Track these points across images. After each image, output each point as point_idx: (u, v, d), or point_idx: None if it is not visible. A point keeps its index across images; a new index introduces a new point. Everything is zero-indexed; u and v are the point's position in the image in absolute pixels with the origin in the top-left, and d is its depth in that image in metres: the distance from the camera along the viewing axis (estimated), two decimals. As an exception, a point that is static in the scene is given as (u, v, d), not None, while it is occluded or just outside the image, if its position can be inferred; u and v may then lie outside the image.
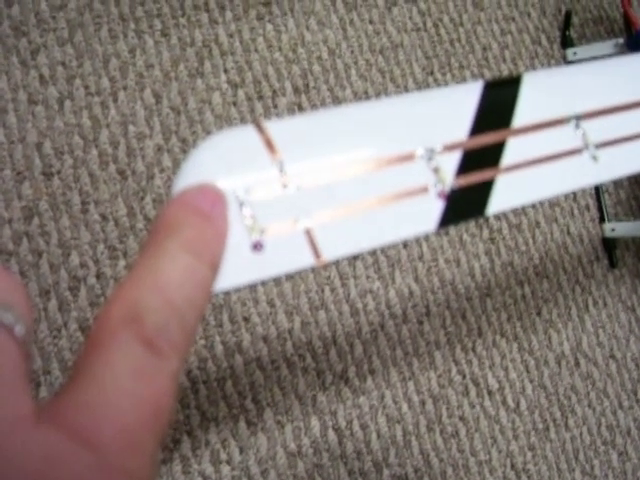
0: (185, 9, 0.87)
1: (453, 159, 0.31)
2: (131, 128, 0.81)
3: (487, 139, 0.32)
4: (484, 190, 0.31)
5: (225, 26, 0.88)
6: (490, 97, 0.33)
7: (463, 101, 0.33)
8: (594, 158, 0.35)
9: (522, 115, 0.34)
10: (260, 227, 0.26)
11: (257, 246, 0.26)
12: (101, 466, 0.19)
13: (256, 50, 0.89)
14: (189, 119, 0.84)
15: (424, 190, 0.30)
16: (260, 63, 0.89)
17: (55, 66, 0.80)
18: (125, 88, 0.82)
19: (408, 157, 0.30)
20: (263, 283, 0.80)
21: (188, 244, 0.24)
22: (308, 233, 0.27)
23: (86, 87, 0.81)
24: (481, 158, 0.32)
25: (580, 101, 0.36)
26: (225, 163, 0.27)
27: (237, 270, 0.26)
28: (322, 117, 0.30)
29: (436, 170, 0.30)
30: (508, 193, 0.32)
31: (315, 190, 0.28)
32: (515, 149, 0.33)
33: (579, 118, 0.35)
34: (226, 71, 0.87)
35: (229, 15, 0.89)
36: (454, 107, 0.33)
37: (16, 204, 0.75)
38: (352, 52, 0.94)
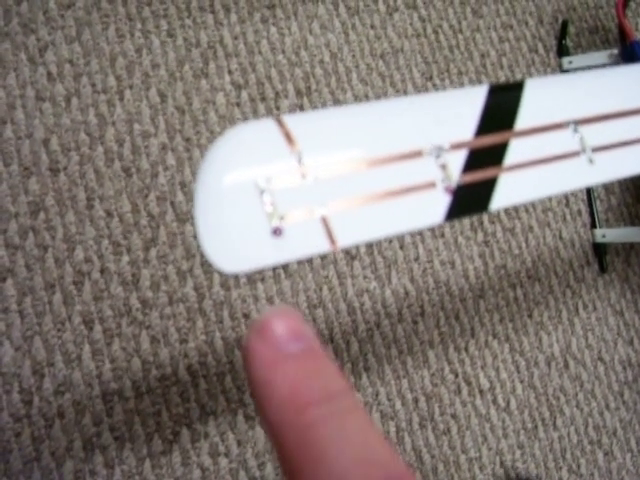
0: (191, 10, 0.88)
1: (459, 157, 0.33)
2: (136, 126, 0.83)
3: (491, 139, 0.34)
4: (488, 187, 0.33)
5: (230, 28, 0.90)
6: (494, 100, 0.35)
7: (469, 103, 0.35)
8: (590, 161, 0.37)
9: (524, 118, 0.36)
10: (280, 214, 0.28)
11: (277, 231, 0.28)
12: None
13: (260, 52, 0.91)
14: (193, 119, 0.85)
15: (432, 185, 0.32)
16: (263, 65, 0.90)
17: (63, 64, 0.81)
18: (131, 87, 0.84)
19: (417, 154, 0.32)
20: (263, 279, 0.82)
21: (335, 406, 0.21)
22: (324, 221, 0.28)
23: (93, 85, 0.82)
24: (486, 157, 0.33)
25: (579, 107, 0.38)
26: (247, 153, 0.28)
27: (258, 254, 0.27)
28: (338, 113, 0.32)
29: (443, 167, 0.32)
30: (510, 190, 0.34)
31: (331, 181, 0.29)
32: (517, 150, 0.35)
33: (577, 123, 0.37)
34: (230, 72, 0.88)
35: (234, 17, 0.90)
36: (461, 109, 0.34)
37: (23, 199, 0.76)
38: (353, 56, 0.96)
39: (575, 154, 0.36)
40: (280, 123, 0.29)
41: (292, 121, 0.30)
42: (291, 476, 0.20)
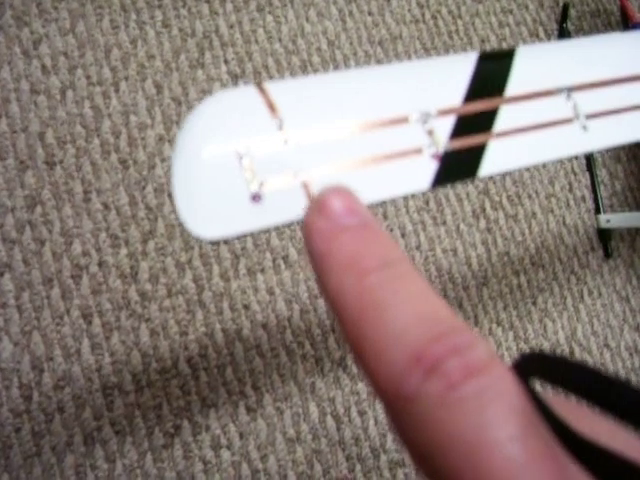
0: (186, 0, 0.88)
1: (447, 123, 0.32)
2: (133, 118, 0.82)
3: (481, 106, 0.33)
4: (477, 153, 0.32)
5: (226, 17, 0.89)
6: (484, 67, 0.34)
7: (458, 70, 0.34)
8: (584, 128, 0.36)
9: (515, 85, 0.35)
10: (259, 180, 0.27)
11: (256, 197, 0.27)
12: None
13: (256, 41, 0.90)
14: (190, 109, 0.85)
15: (418, 151, 0.31)
16: (260, 54, 0.90)
17: (57, 56, 0.81)
18: (127, 78, 0.83)
19: (403, 119, 0.31)
20: (263, 270, 0.81)
21: (378, 268, 0.22)
22: (305, 187, 0.28)
23: (88, 77, 0.82)
24: (474, 123, 0.33)
25: (572, 74, 0.37)
26: (227, 119, 0.28)
27: (237, 220, 0.27)
28: (322, 79, 0.31)
29: (430, 133, 0.31)
30: (500, 157, 0.33)
31: (313, 147, 0.28)
32: (507, 116, 0.34)
33: (570, 90, 0.36)
34: (226, 62, 0.88)
35: (229, 6, 0.90)
36: (449, 75, 0.34)
37: (19, 193, 0.76)
38: (351, 43, 0.95)
39: (568, 121, 0.35)
40: (261, 89, 0.29)
41: (274, 87, 0.29)
42: (353, 340, 0.21)
